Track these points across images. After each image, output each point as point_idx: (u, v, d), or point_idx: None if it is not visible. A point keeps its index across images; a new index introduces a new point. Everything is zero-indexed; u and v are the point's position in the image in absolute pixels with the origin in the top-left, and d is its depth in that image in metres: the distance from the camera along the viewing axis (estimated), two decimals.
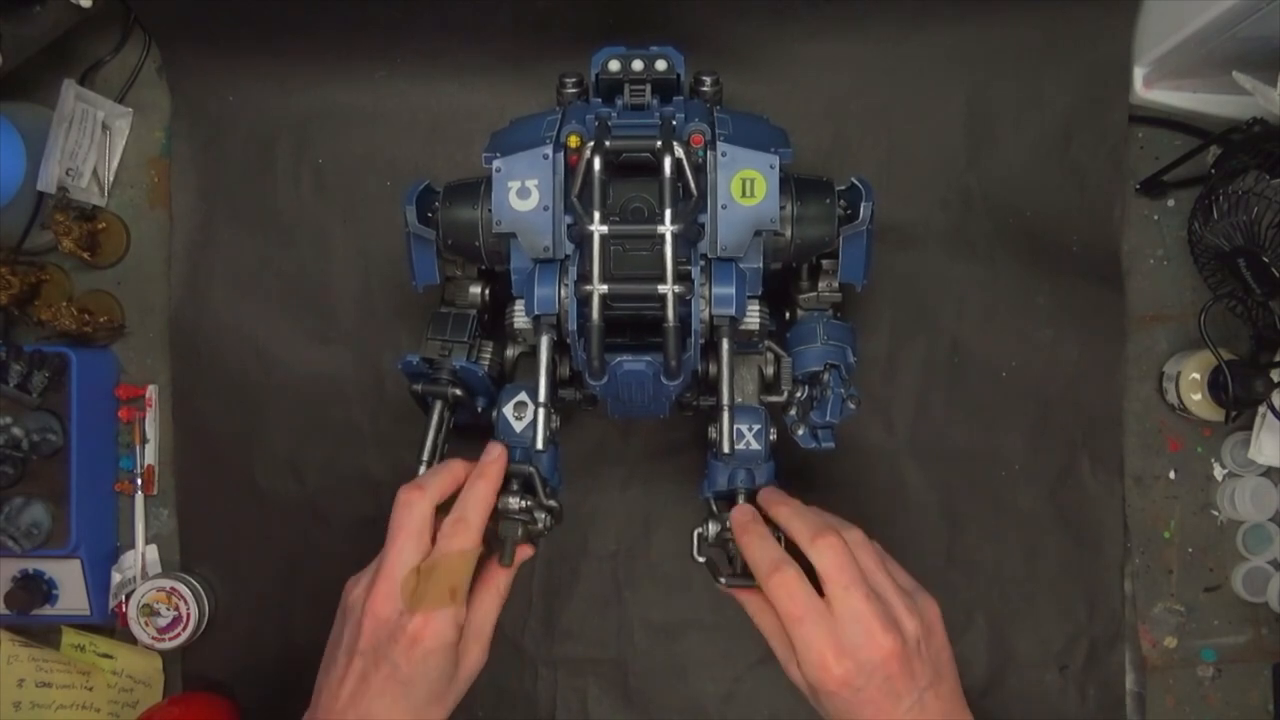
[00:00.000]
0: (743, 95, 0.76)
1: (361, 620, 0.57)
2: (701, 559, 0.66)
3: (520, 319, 0.62)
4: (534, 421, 0.59)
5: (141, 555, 0.80)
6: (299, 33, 0.76)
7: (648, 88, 0.60)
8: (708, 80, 0.62)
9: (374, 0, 0.74)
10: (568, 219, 0.57)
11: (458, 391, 0.66)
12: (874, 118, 0.79)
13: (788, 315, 0.70)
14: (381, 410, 0.79)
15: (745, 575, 0.62)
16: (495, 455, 0.62)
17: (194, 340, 0.80)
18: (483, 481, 0.60)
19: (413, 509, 0.59)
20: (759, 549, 0.59)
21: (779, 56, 0.78)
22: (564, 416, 0.65)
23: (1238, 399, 0.73)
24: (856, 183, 0.63)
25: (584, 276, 0.55)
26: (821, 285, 0.67)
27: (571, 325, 0.57)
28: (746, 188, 0.58)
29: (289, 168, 0.80)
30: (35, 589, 0.77)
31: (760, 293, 0.61)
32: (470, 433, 0.71)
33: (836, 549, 0.57)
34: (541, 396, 0.58)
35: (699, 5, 0.74)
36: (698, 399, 0.68)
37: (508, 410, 0.65)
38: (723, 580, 0.63)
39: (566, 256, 0.58)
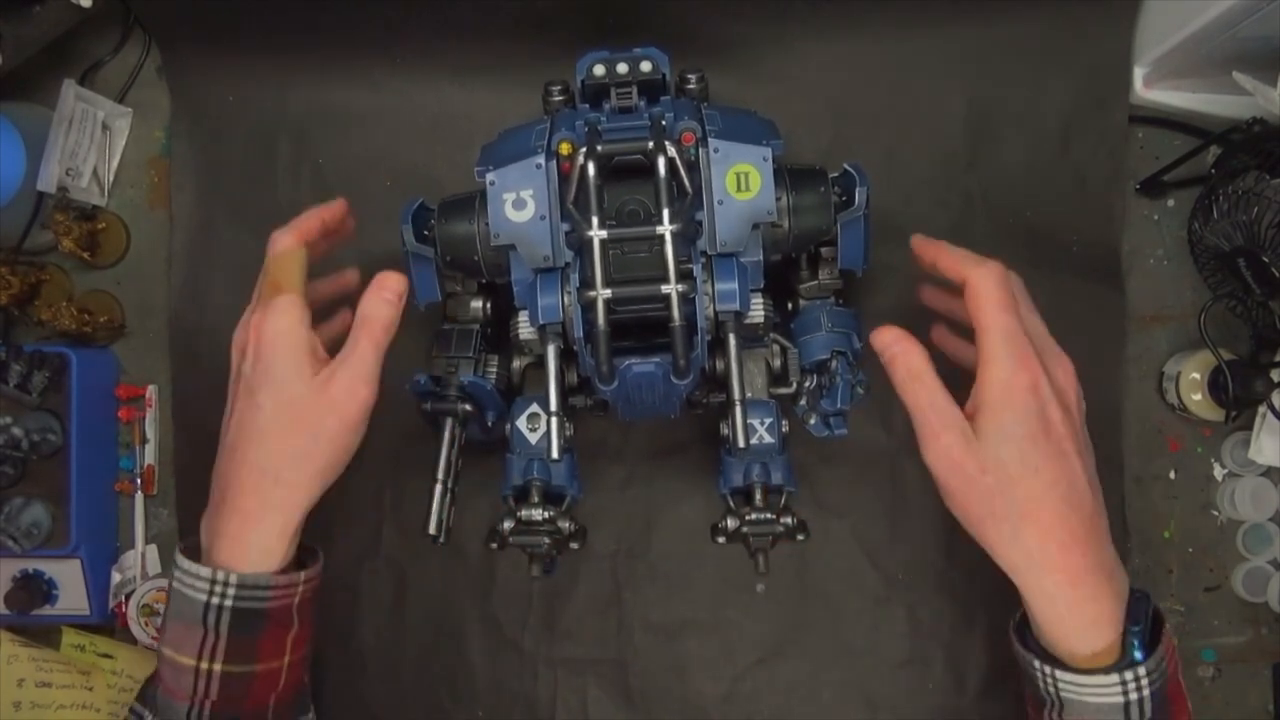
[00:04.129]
0: (742, 95, 0.76)
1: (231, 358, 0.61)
2: (722, 540, 0.66)
3: (525, 330, 0.62)
4: (548, 431, 0.59)
5: (141, 555, 0.80)
6: (299, 33, 0.76)
7: (634, 89, 0.60)
8: (693, 78, 0.63)
9: (374, 0, 0.74)
10: (565, 226, 0.57)
11: (468, 407, 0.66)
12: (874, 118, 0.79)
13: (790, 306, 0.70)
14: (380, 409, 0.79)
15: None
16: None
17: (194, 340, 0.79)
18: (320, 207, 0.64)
19: (272, 247, 0.62)
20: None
21: (779, 56, 0.78)
22: (573, 421, 0.65)
23: (1238, 399, 0.73)
24: (850, 169, 0.63)
25: (586, 283, 0.55)
26: (822, 274, 0.68)
27: (577, 332, 0.57)
28: (741, 182, 0.58)
29: (289, 168, 0.80)
30: (35, 589, 0.77)
31: (762, 285, 0.61)
32: (481, 449, 0.71)
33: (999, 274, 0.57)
34: (552, 405, 0.58)
35: (698, 5, 0.74)
36: (707, 396, 0.68)
37: (521, 423, 0.65)
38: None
39: (567, 264, 0.58)
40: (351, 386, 0.57)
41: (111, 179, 0.81)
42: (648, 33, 0.71)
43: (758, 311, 0.62)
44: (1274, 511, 0.79)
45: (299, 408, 0.57)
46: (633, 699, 0.79)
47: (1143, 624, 0.54)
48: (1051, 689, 0.56)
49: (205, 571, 0.56)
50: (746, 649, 0.79)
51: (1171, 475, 0.81)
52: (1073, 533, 0.54)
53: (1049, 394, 0.54)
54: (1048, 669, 0.55)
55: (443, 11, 0.74)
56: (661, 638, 0.79)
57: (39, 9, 0.71)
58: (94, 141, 0.78)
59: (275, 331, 0.58)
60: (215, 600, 0.56)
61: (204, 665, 0.56)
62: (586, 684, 0.79)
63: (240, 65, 0.78)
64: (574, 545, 0.65)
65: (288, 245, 0.61)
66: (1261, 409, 0.75)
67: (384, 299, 0.59)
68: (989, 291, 0.55)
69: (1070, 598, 0.54)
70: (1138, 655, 0.54)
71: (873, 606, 0.79)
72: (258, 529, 0.57)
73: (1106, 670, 0.54)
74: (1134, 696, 0.53)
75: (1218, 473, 0.81)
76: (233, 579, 0.56)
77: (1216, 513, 0.81)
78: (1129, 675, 0.53)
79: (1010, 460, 0.54)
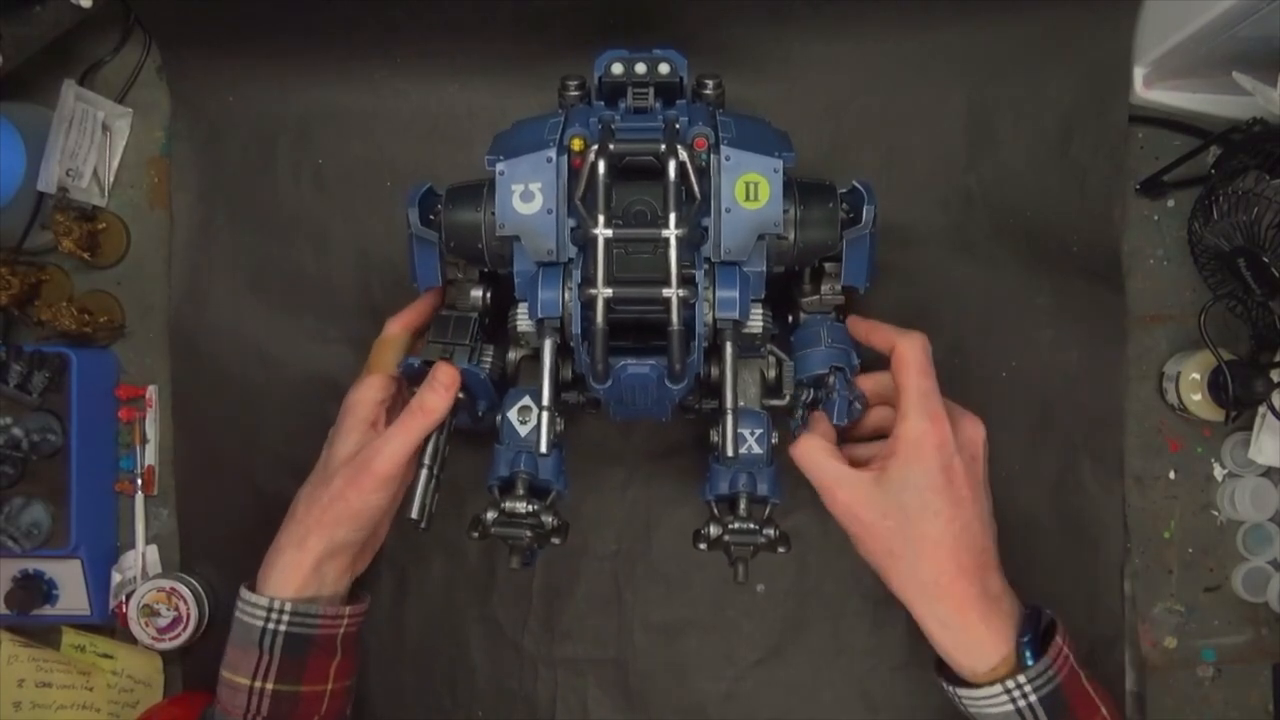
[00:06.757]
0: (742, 95, 0.76)
1: None
2: (703, 546, 0.66)
3: (523, 322, 0.62)
4: (538, 425, 0.59)
5: (141, 555, 0.80)
6: (299, 33, 0.76)
7: (651, 91, 0.60)
8: (710, 83, 0.62)
9: (374, 0, 0.74)
10: (571, 222, 0.57)
11: (460, 394, 0.66)
12: (874, 118, 0.79)
13: (791, 319, 0.70)
14: None
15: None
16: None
17: (194, 340, 0.79)
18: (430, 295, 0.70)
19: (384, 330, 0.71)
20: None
21: (779, 57, 0.78)
22: (566, 418, 0.65)
23: (1238, 399, 0.73)
24: (859, 186, 0.63)
25: (588, 280, 0.55)
26: (824, 288, 0.67)
27: (575, 329, 0.57)
28: (750, 191, 0.58)
29: (289, 168, 0.80)
30: (35, 589, 0.77)
31: (763, 296, 0.61)
32: (471, 436, 0.71)
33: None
34: (545, 400, 0.58)
35: (699, 5, 0.74)
36: (700, 402, 0.68)
37: (512, 414, 0.65)
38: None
39: (570, 259, 0.58)
40: (369, 457, 0.63)
41: (111, 179, 0.81)
42: (649, 33, 0.71)
43: (756, 322, 0.62)
44: (1274, 511, 0.79)
45: (334, 464, 0.65)
46: (633, 699, 0.79)
47: (1031, 635, 0.60)
48: (964, 709, 0.62)
49: (263, 600, 0.63)
50: (746, 649, 0.79)
51: (1171, 475, 0.81)
52: (961, 566, 0.60)
53: (954, 448, 0.61)
54: (953, 690, 0.62)
55: (443, 11, 0.74)
56: (661, 638, 0.80)
57: (39, 9, 0.71)
58: (94, 141, 0.78)
59: (351, 401, 0.67)
60: (271, 626, 0.63)
61: (257, 684, 0.63)
62: (586, 684, 0.79)
63: (240, 65, 0.78)
64: (555, 540, 0.65)
65: (393, 332, 0.70)
66: (1261, 409, 0.75)
67: (435, 392, 0.64)
68: (914, 358, 0.62)
69: (961, 622, 0.60)
70: (1029, 661, 0.59)
71: (873, 607, 0.79)
72: (278, 559, 0.65)
73: (991, 683, 0.59)
74: (1021, 703, 0.58)
75: (1218, 473, 0.81)
76: (287, 606, 0.63)
77: (1216, 513, 0.81)
78: (1010, 684, 0.58)
79: (911, 506, 0.60)
